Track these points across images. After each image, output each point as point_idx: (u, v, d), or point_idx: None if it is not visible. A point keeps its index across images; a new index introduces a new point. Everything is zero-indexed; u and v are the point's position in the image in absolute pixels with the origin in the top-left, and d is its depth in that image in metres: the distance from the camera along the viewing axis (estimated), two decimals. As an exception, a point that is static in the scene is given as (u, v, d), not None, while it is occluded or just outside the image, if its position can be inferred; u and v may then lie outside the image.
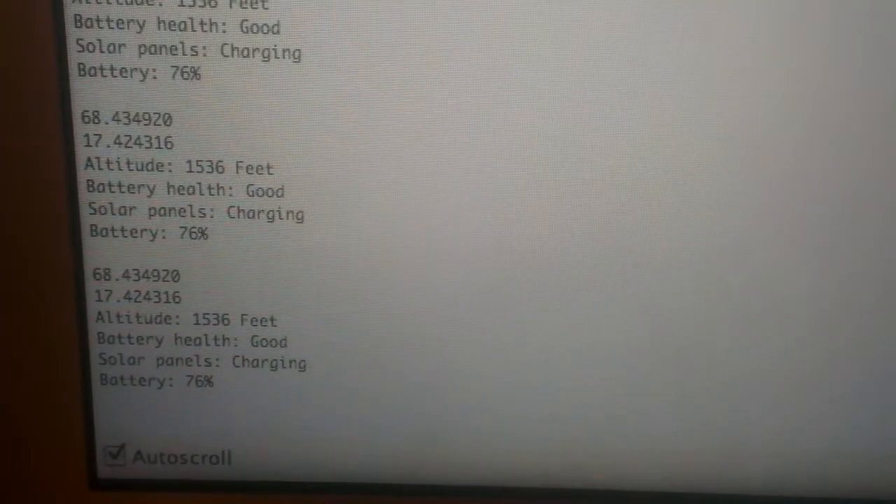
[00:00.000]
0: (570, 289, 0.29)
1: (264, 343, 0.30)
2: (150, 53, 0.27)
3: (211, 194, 0.28)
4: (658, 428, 0.31)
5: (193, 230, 0.28)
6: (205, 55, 0.27)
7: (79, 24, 0.27)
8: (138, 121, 0.27)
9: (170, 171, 0.28)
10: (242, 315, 0.29)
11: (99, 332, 0.29)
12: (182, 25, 0.27)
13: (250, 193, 0.28)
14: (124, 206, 0.28)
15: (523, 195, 0.28)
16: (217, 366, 0.30)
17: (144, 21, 0.27)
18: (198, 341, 0.29)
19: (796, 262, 0.29)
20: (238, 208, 0.28)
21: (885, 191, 0.29)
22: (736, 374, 0.30)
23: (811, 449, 0.31)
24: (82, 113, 0.27)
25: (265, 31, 0.27)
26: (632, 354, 0.30)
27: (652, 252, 0.29)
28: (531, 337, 0.30)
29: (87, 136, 0.27)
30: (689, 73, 0.27)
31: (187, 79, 0.27)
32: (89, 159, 0.28)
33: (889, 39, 0.27)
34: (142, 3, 0.26)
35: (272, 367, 0.30)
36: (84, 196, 0.28)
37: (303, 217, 0.28)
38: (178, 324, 0.29)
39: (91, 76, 0.27)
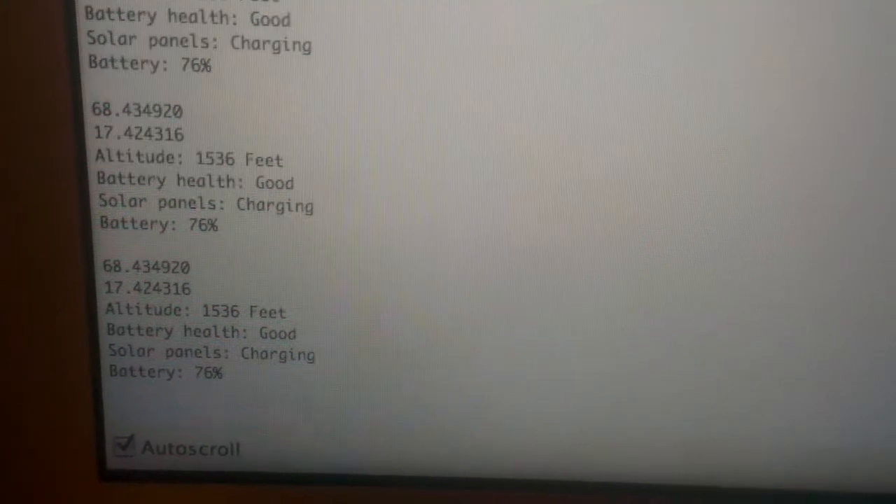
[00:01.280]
0: (577, 283, 0.30)
1: (273, 335, 0.30)
2: (161, 45, 0.27)
3: (221, 186, 0.28)
4: (662, 422, 0.31)
5: (203, 222, 0.28)
6: (215, 47, 0.27)
7: (90, 15, 0.27)
8: (149, 112, 0.27)
9: (180, 162, 0.28)
10: (251, 307, 0.29)
11: (109, 324, 0.30)
12: (192, 17, 0.27)
13: (260, 185, 0.28)
14: (134, 198, 0.28)
15: (532, 190, 0.29)
16: (226, 357, 0.30)
17: (155, 13, 0.27)
18: (207, 333, 0.30)
19: (801, 258, 0.29)
20: (248, 200, 0.28)
21: (886, 189, 0.29)
22: (741, 368, 0.31)
23: (815, 443, 0.31)
24: (93, 104, 0.27)
25: (275, 24, 0.27)
26: (636, 350, 0.30)
27: (657, 248, 0.29)
28: (539, 329, 0.30)
29: (97, 127, 0.28)
30: (692, 75, 0.27)
31: (198, 70, 0.27)
32: (100, 151, 0.28)
33: (891, 39, 0.27)
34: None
35: (281, 358, 0.30)
36: (94, 188, 0.28)
37: (312, 209, 0.28)
38: (187, 315, 0.29)
39: (102, 68, 0.27)
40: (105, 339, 0.30)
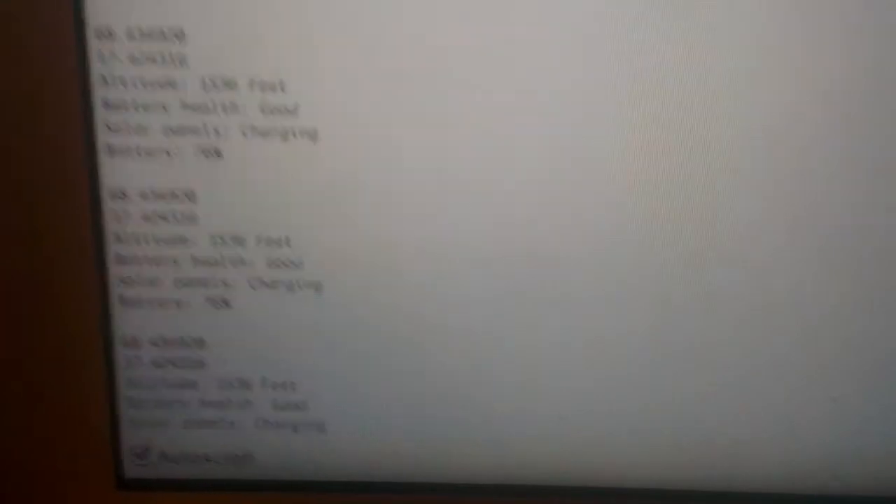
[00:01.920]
0: (574, 290, 0.30)
1: (285, 405, 0.31)
2: (175, 134, 0.28)
3: (233, 267, 0.29)
4: (661, 426, 0.31)
5: (216, 300, 0.30)
6: (226, 136, 0.28)
7: (107, 107, 0.28)
8: (164, 198, 0.28)
9: (195, 244, 0.29)
10: (263, 378, 0.31)
11: (128, 378, 0.31)
12: (205, 108, 0.28)
13: (269, 265, 0.29)
14: (152, 278, 0.29)
15: (529, 198, 0.29)
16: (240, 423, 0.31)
17: (169, 104, 0.27)
18: (220, 405, 0.31)
19: (799, 261, 0.29)
20: (259, 280, 0.29)
21: (888, 192, 0.29)
22: (739, 372, 0.31)
23: (814, 447, 0.31)
24: (111, 191, 0.28)
25: (283, 112, 0.28)
26: (635, 354, 0.30)
27: (654, 253, 0.29)
28: (537, 337, 0.30)
29: (115, 212, 0.29)
30: (692, 78, 0.28)
31: (209, 157, 0.28)
32: (117, 234, 0.29)
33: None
34: (165, 87, 0.27)
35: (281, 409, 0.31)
36: (114, 269, 0.29)
37: (321, 287, 0.29)
38: (203, 389, 0.31)
39: (119, 156, 0.28)
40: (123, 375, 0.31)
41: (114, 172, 0.28)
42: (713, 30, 0.27)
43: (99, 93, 0.28)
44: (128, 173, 0.28)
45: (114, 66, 0.27)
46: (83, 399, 0.30)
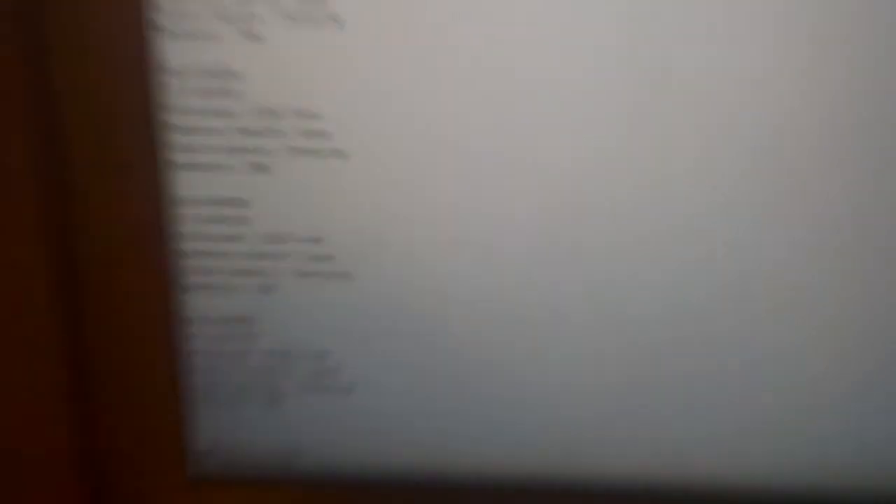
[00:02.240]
0: (587, 284, 0.32)
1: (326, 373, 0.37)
2: (231, 153, 0.33)
3: (278, 260, 0.35)
4: (666, 424, 0.33)
5: (265, 286, 0.35)
6: (273, 155, 0.33)
7: (176, 131, 0.33)
8: (222, 205, 0.34)
9: (247, 241, 0.35)
10: (305, 352, 0.37)
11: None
12: (256, 133, 0.33)
13: (308, 259, 0.35)
14: (209, 269, 0.35)
15: (530, 197, 0.31)
16: (285, 391, 0.37)
17: (227, 130, 0.33)
18: (269, 371, 0.37)
19: (800, 262, 0.30)
20: (300, 271, 0.35)
21: (888, 192, 0.30)
22: (742, 370, 0.32)
23: (817, 448, 0.33)
24: (179, 199, 0.34)
25: (319, 136, 0.33)
26: (638, 351, 0.32)
27: (658, 252, 0.31)
28: (547, 330, 0.33)
29: (183, 216, 0.34)
30: (694, 78, 0.28)
31: (259, 172, 0.33)
32: (183, 234, 0.35)
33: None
34: (225, 115, 0.33)
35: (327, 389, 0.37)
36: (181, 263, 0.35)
37: (351, 277, 0.35)
38: (254, 358, 0.36)
39: (186, 171, 0.33)
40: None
41: (182, 184, 0.33)
42: (715, 30, 0.28)
43: (170, 119, 0.33)
44: (193, 185, 0.33)
45: (183, 98, 0.32)
46: (155, 394, 0.34)
